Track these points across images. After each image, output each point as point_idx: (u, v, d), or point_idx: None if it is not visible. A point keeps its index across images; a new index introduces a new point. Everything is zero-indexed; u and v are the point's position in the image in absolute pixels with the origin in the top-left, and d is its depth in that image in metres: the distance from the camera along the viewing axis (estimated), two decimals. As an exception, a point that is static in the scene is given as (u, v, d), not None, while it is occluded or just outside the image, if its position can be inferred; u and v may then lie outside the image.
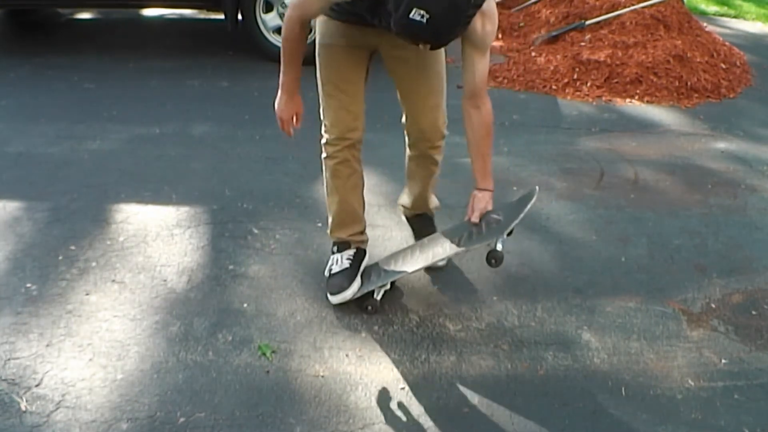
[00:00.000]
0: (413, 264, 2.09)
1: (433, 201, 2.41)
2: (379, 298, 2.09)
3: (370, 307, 2.09)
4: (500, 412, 1.77)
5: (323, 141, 2.09)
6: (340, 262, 2.16)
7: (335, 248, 2.20)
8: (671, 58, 4.23)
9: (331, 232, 2.22)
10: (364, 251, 2.22)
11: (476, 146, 1.95)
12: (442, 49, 2.01)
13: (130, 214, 2.60)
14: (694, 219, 2.72)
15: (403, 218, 2.47)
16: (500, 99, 3.87)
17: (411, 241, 2.47)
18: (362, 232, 2.23)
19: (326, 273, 2.19)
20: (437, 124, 2.11)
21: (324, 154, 2.11)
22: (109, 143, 3.23)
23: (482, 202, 1.98)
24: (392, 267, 2.13)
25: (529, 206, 1.93)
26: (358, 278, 2.12)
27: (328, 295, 2.14)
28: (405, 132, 2.18)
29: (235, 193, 2.78)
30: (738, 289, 2.30)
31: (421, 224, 2.40)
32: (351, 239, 2.19)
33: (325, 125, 2.07)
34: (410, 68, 2.01)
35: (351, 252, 2.18)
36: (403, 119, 2.15)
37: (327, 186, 2.16)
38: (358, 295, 2.10)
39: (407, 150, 2.23)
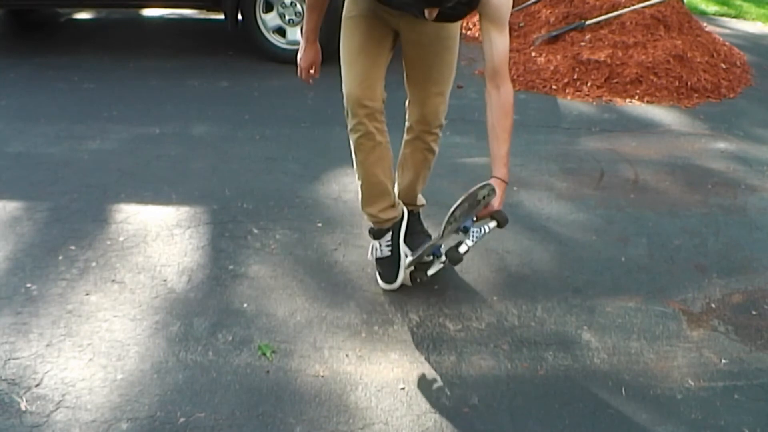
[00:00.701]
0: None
1: (420, 199, 2.39)
2: (430, 274, 2.09)
3: (419, 280, 2.14)
4: (500, 412, 1.77)
5: (345, 113, 2.07)
6: (380, 249, 2.19)
7: (372, 235, 2.20)
8: (671, 58, 4.23)
9: (362, 207, 2.19)
10: (401, 221, 2.20)
11: (491, 127, 1.90)
12: (456, 40, 2.03)
13: (130, 214, 2.60)
14: (694, 219, 2.72)
15: None
16: (500, 99, 3.86)
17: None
18: (393, 206, 2.17)
19: (369, 257, 2.22)
20: (438, 110, 2.12)
21: (348, 128, 2.08)
22: (109, 143, 3.24)
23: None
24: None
25: (457, 204, 1.87)
26: (403, 258, 2.16)
27: (379, 281, 2.21)
28: (406, 115, 2.18)
29: (235, 193, 2.78)
30: (738, 289, 2.30)
31: (408, 222, 2.33)
32: (381, 216, 2.15)
33: (344, 96, 2.04)
34: (423, 53, 2.02)
35: (388, 238, 2.18)
36: (407, 103, 2.16)
37: (353, 161, 2.13)
38: (414, 263, 2.14)
39: (404, 135, 2.23)
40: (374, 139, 2.06)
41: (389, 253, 2.17)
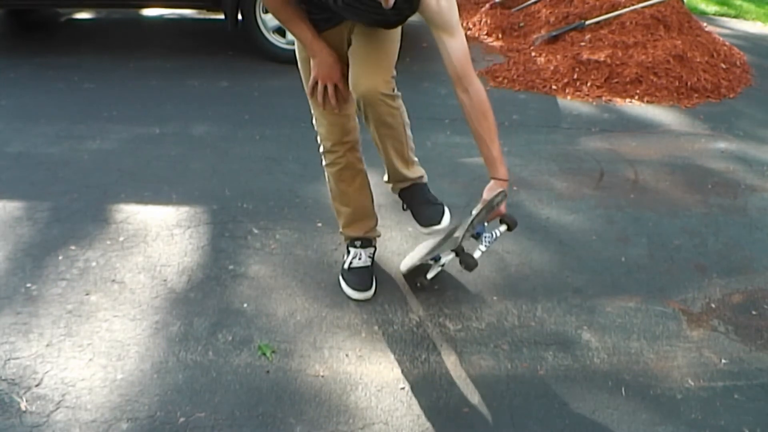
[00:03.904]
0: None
1: (414, 171, 2.17)
2: (430, 277, 2.09)
3: (419, 284, 2.14)
4: (500, 412, 1.77)
5: (321, 150, 2.08)
6: (362, 258, 2.21)
7: (358, 243, 2.22)
8: (671, 58, 4.22)
9: (344, 231, 2.23)
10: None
11: (475, 132, 1.86)
12: (398, 31, 1.93)
13: (130, 214, 2.60)
14: (694, 219, 2.72)
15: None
16: (500, 99, 3.87)
17: (412, 239, 2.48)
18: (376, 226, 2.26)
19: (345, 266, 2.22)
20: (376, 80, 1.89)
21: (325, 162, 2.10)
22: (109, 143, 3.23)
23: (489, 192, 1.89)
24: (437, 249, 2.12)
25: (476, 212, 1.87)
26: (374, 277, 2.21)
27: (350, 290, 2.17)
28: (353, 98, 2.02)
29: (235, 193, 2.78)
30: (738, 289, 2.30)
31: (409, 196, 2.21)
32: (368, 235, 2.23)
33: (320, 134, 2.06)
34: (365, 33, 1.91)
35: (371, 250, 2.25)
36: (350, 84, 1.96)
37: (332, 190, 2.16)
38: (412, 267, 2.18)
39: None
40: (355, 168, 2.09)
41: (369, 263, 2.22)
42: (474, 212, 1.87)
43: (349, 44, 1.96)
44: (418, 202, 2.18)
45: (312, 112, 2.04)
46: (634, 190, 2.94)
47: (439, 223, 2.11)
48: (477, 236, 1.98)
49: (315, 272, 2.30)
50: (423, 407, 1.77)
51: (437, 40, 1.79)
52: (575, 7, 4.84)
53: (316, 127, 2.06)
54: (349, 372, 1.88)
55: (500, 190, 1.87)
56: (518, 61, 4.46)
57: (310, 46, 1.87)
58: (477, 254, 1.95)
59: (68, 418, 1.69)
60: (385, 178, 2.31)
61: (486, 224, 1.98)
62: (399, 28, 1.97)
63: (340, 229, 2.25)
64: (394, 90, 1.97)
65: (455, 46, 1.76)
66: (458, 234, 1.92)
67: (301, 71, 2.01)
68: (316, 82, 1.93)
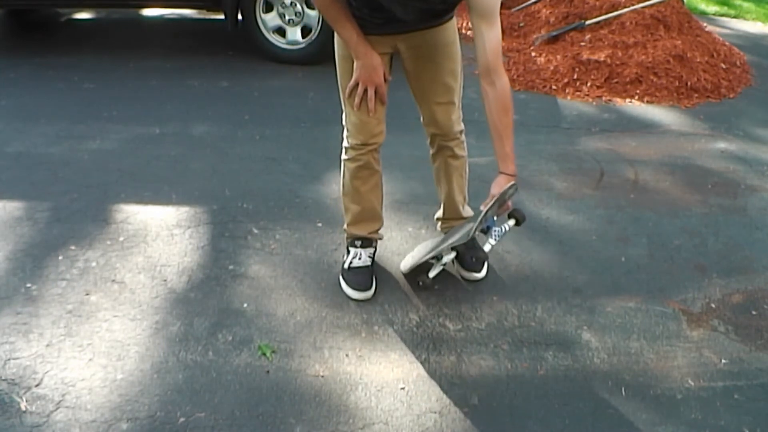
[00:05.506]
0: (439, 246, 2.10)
1: (467, 211, 2.32)
2: (432, 276, 2.10)
3: (421, 283, 2.13)
4: (500, 412, 1.77)
5: (345, 144, 2.09)
6: (362, 257, 2.21)
7: (358, 243, 2.23)
8: (671, 58, 4.23)
9: (348, 228, 2.24)
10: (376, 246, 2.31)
11: (493, 125, 1.87)
12: (457, 45, 1.99)
13: (130, 214, 2.60)
14: (694, 219, 2.72)
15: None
16: (500, 99, 3.86)
17: (412, 239, 2.48)
18: (380, 229, 2.28)
19: (345, 266, 2.22)
20: (451, 119, 2.08)
21: (345, 156, 2.11)
22: (109, 143, 3.24)
23: (497, 187, 1.89)
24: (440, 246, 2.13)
25: (488, 206, 1.88)
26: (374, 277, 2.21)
27: (350, 290, 2.16)
28: (424, 131, 2.16)
29: (235, 193, 2.78)
30: (738, 289, 2.30)
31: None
32: (371, 236, 2.24)
33: (348, 130, 2.06)
34: (425, 66, 1.98)
35: (372, 250, 2.25)
36: (422, 118, 2.13)
37: (345, 186, 2.16)
38: (414, 266, 2.18)
39: (429, 150, 2.22)
40: (372, 167, 2.11)
41: (369, 263, 2.22)
42: (483, 207, 1.88)
43: (391, 58, 2.00)
44: (465, 246, 2.21)
45: (342, 107, 2.05)
46: (634, 190, 2.94)
47: (479, 272, 2.26)
48: (486, 230, 2.00)
49: (315, 272, 2.30)
50: (423, 407, 1.77)
51: (474, 29, 1.77)
52: (575, 7, 4.85)
53: (344, 123, 2.07)
54: (349, 372, 1.88)
55: (512, 183, 1.87)
56: (518, 61, 4.46)
57: (355, 48, 1.86)
58: (487, 248, 1.98)
59: (68, 418, 1.69)
60: (439, 214, 2.37)
61: (495, 219, 1.99)
62: (458, 47, 2.00)
63: (344, 226, 2.25)
64: (462, 124, 2.12)
65: (491, 36, 1.76)
66: (469, 228, 1.92)
67: (338, 68, 2.01)
68: (357, 84, 1.93)
